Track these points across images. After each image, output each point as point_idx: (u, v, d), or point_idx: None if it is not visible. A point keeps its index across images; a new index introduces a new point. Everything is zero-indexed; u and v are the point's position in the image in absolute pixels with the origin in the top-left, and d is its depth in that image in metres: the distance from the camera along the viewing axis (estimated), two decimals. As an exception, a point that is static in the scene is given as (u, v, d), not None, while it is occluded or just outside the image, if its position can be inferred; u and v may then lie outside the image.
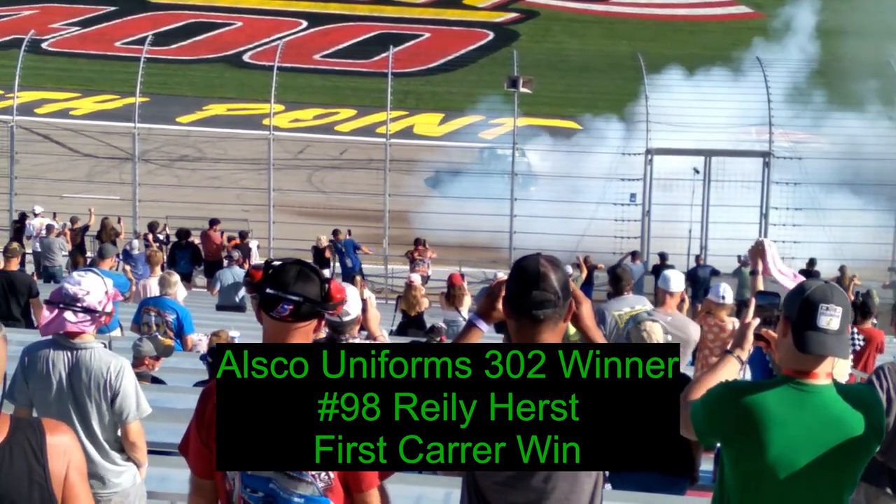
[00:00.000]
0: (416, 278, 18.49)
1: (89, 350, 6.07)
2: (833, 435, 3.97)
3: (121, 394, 6.02)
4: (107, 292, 6.12)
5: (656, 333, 7.49)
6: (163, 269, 15.69)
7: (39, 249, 24.21)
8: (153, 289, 14.40)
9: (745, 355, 4.39)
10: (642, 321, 7.65)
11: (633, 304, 10.67)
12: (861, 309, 13.05)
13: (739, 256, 24.74)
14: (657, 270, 25.40)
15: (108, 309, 6.13)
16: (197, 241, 25.09)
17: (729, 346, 4.45)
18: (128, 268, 20.37)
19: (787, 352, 4.06)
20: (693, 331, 9.51)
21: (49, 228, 24.44)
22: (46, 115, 39.84)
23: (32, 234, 25.33)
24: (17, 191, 28.78)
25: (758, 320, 4.42)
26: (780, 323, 4.11)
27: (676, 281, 9.78)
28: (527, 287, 4.03)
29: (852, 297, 19.94)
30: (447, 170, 35.20)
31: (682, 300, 9.94)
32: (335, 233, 25.74)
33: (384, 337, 7.95)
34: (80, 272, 6.25)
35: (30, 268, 22.08)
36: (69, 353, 6.06)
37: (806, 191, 27.83)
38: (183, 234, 24.48)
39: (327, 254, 25.51)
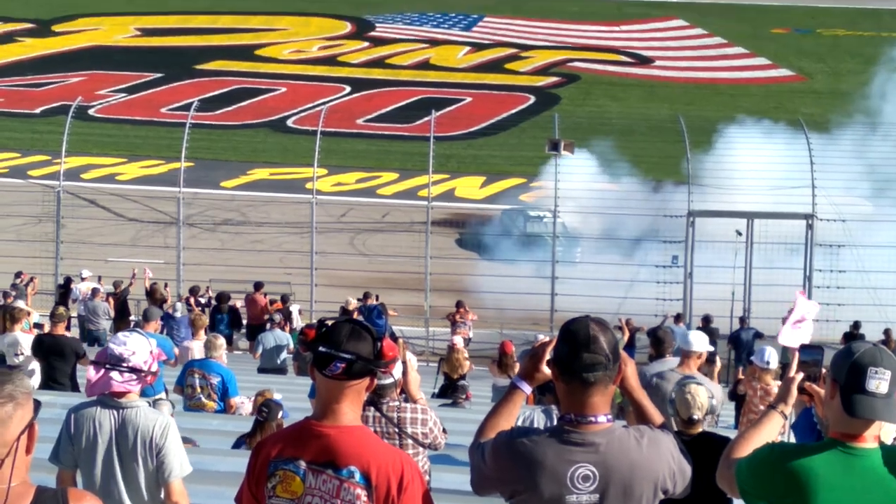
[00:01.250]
0: (459, 341, 18.48)
1: (135, 409, 6.12)
2: (881, 499, 3.91)
3: (165, 450, 6.05)
4: (151, 352, 6.18)
5: (700, 397, 7.46)
6: (206, 332, 15.76)
7: (84, 313, 24.39)
8: (195, 352, 14.46)
9: (788, 410, 4.36)
10: (687, 384, 7.65)
11: (673, 366, 10.62)
12: None
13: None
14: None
15: (154, 368, 6.19)
16: (240, 304, 25.24)
17: (773, 401, 4.41)
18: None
19: (834, 414, 4.01)
20: (713, 391, 9.38)
21: (94, 292, 24.63)
22: (92, 181, 40.30)
23: (78, 298, 25.52)
24: (63, 255, 29.06)
25: (801, 374, 4.39)
26: (827, 385, 4.07)
27: (697, 341, 9.73)
28: (577, 350, 4.04)
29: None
30: (485, 233, 35.27)
31: (707, 359, 9.87)
32: (365, 296, 25.78)
33: (423, 400, 7.93)
34: (125, 333, 6.31)
35: (74, 331, 22.23)
36: (115, 413, 6.10)
37: (850, 253, 27.63)
38: (223, 298, 24.60)
39: (356, 316, 25.52)
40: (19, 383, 3.35)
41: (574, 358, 4.05)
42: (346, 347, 4.08)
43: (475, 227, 35.76)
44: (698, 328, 25.19)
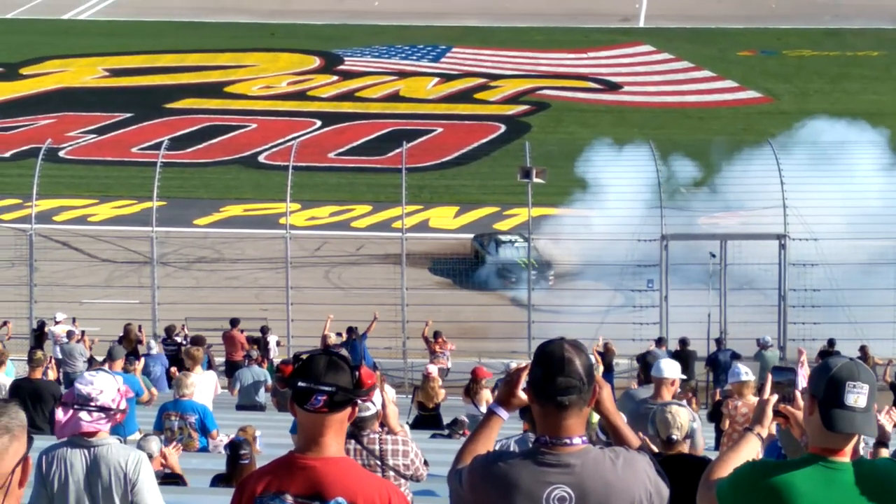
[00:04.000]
0: (433, 370, 18.41)
1: (106, 446, 6.08)
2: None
3: (139, 485, 6.03)
4: (119, 389, 6.15)
5: (681, 417, 7.49)
6: (203, 368, 15.60)
7: (60, 356, 24.25)
8: (199, 387, 14.31)
9: (764, 432, 4.39)
10: (669, 404, 7.70)
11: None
12: None
13: (759, 340, 24.67)
14: (678, 356, 25.32)
15: (122, 406, 6.17)
16: (217, 341, 25.16)
17: (749, 424, 4.45)
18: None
19: (814, 430, 4.04)
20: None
21: (70, 334, 24.50)
22: (65, 223, 40.10)
23: (54, 342, 25.38)
24: (37, 298, 28.92)
25: (776, 396, 4.42)
26: (806, 401, 4.10)
27: (669, 368, 9.80)
28: (552, 373, 4.07)
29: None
30: (458, 259, 35.34)
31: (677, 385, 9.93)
32: (349, 331, 25.73)
33: (405, 432, 7.92)
34: (92, 372, 6.30)
35: (51, 373, 22.07)
36: (86, 452, 6.07)
37: (824, 271, 27.75)
38: (199, 341, 24.50)
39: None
40: (15, 416, 3.33)
41: (548, 381, 4.07)
42: (325, 380, 4.06)
43: (448, 255, 35.82)
44: (676, 351, 25.26)
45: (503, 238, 36.45)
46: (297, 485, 4.05)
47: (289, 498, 4.05)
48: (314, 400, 4.05)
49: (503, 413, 4.40)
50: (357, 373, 4.13)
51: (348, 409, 4.13)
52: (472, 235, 37.94)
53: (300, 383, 4.07)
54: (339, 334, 25.38)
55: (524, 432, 8.03)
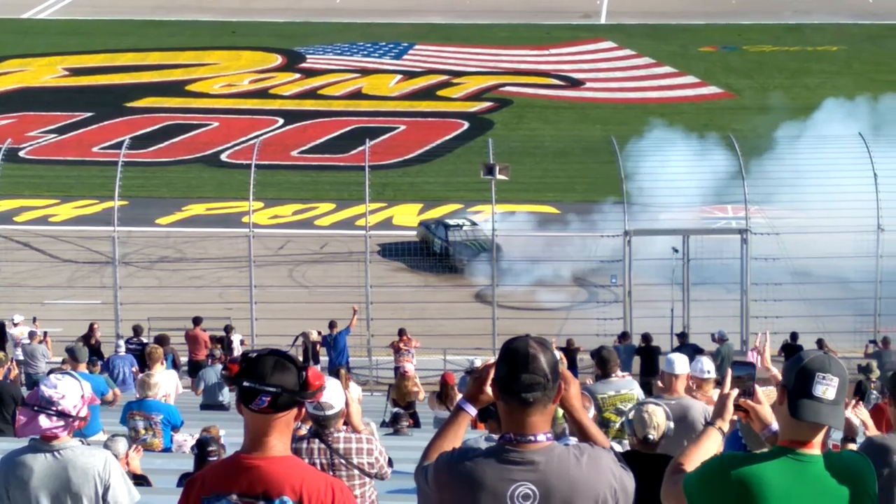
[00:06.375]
0: (410, 368, 18.44)
1: (69, 449, 6.00)
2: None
3: (112, 485, 5.97)
4: (83, 396, 6.06)
5: (657, 416, 7.50)
6: (162, 364, 15.53)
7: (22, 357, 24.09)
8: (161, 385, 14.27)
9: (725, 426, 4.42)
10: (646, 403, 7.72)
11: (619, 387, 10.65)
12: None
13: (713, 335, 24.87)
14: (641, 351, 25.45)
15: (83, 413, 6.05)
16: (180, 340, 25.06)
17: (710, 418, 4.47)
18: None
19: (783, 421, 4.08)
20: (696, 413, 9.41)
21: (31, 335, 24.36)
22: (25, 223, 39.82)
23: (14, 343, 25.20)
24: (-2, 299, 28.77)
25: (736, 391, 4.45)
26: (777, 391, 4.14)
27: (680, 363, 9.81)
28: (516, 370, 4.07)
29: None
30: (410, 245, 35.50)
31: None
32: (331, 325, 25.75)
33: (367, 430, 7.90)
34: (58, 375, 6.21)
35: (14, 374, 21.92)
36: (49, 457, 5.98)
37: (785, 265, 27.93)
38: (163, 340, 24.41)
39: (318, 348, 25.51)
40: None
41: (513, 378, 4.08)
42: (270, 380, 4.07)
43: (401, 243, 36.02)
44: (640, 347, 25.37)
45: (451, 221, 36.60)
46: (243, 484, 4.07)
47: (234, 497, 4.06)
48: (259, 400, 4.07)
49: (471, 409, 4.41)
50: (304, 374, 4.14)
51: (294, 411, 4.14)
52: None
53: (245, 383, 4.08)
54: (319, 332, 25.39)
55: (491, 431, 8.04)
